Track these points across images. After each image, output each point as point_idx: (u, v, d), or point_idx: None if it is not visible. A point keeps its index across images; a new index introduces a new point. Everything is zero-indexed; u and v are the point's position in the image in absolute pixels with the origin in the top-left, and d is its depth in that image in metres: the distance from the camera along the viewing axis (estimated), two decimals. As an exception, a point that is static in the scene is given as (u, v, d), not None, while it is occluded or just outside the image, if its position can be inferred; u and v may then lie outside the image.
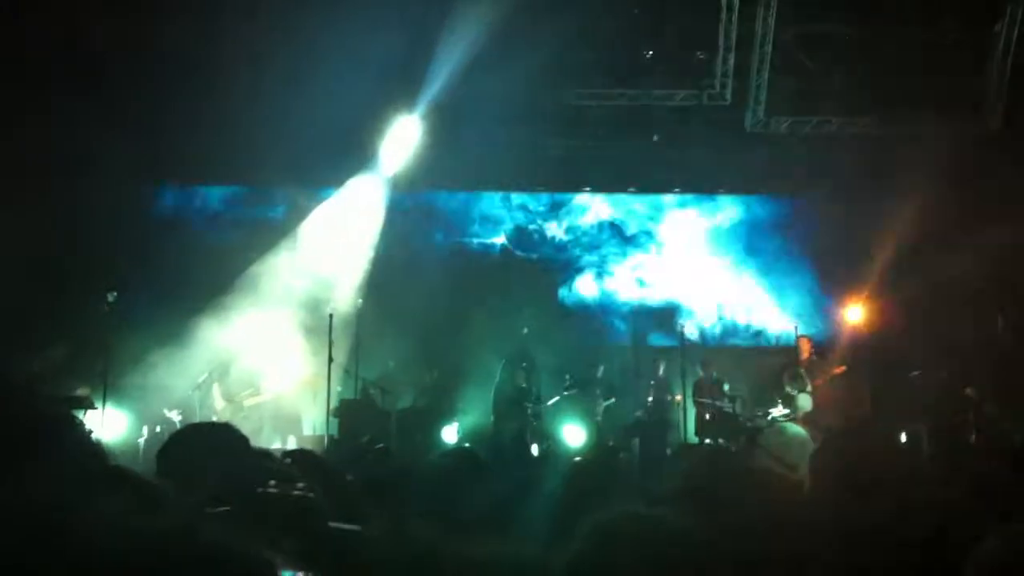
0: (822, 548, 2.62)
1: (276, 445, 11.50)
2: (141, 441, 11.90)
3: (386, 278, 14.90)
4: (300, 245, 14.90)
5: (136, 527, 1.62)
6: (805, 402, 12.73)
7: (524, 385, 13.26)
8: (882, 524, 2.71)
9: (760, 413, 12.89)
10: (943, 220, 14.63)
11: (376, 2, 13.62)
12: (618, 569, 1.81)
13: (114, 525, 1.70)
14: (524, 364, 13.33)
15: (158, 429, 11.82)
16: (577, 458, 11.51)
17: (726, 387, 13.80)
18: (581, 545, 1.86)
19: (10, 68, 12.46)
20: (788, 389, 12.71)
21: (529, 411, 13.02)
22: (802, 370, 12.98)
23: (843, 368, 13.74)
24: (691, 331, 14.10)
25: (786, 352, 14.31)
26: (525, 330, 13.81)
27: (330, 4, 13.77)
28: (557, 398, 13.48)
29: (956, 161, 14.96)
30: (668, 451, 13.01)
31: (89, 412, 11.40)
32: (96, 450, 2.84)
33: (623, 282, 16.11)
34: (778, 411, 12.59)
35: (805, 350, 13.96)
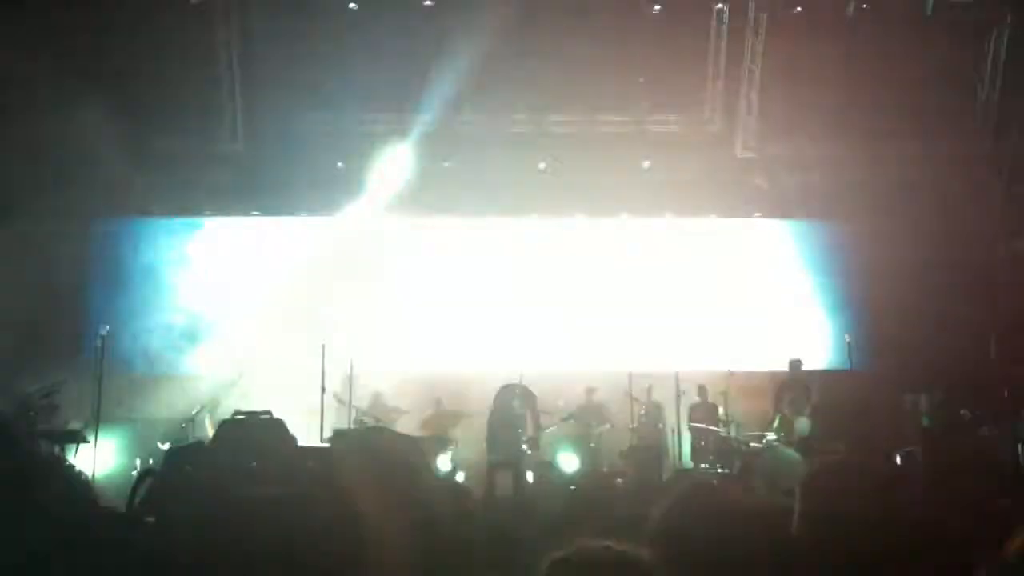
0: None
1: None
2: (134, 474, 11.83)
3: (380, 306, 14.89)
4: (292, 273, 14.88)
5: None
6: (804, 426, 12.68)
7: (519, 412, 13.21)
8: (876, 551, 2.68)
9: (755, 437, 12.85)
10: (935, 241, 14.66)
11: (370, 31, 13.68)
12: None
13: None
14: (519, 392, 13.28)
15: (151, 461, 11.76)
16: (572, 487, 11.48)
17: (721, 411, 13.77)
18: None
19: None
20: (787, 413, 12.67)
21: (524, 440, 12.96)
22: (801, 395, 12.94)
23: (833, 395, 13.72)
24: (686, 355, 14.05)
25: (782, 376, 14.27)
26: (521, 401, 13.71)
27: (324, 33, 13.85)
28: (553, 427, 13.42)
29: (947, 181, 15.02)
30: (664, 477, 12.96)
31: (82, 445, 11.38)
32: (84, 492, 2.81)
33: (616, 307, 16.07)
34: (774, 435, 12.56)
35: (800, 375, 13.93)
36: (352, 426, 13.27)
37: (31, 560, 1.81)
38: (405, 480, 1.25)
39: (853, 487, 2.88)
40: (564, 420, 13.49)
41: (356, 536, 1.38)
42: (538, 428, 13.30)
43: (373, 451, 1.19)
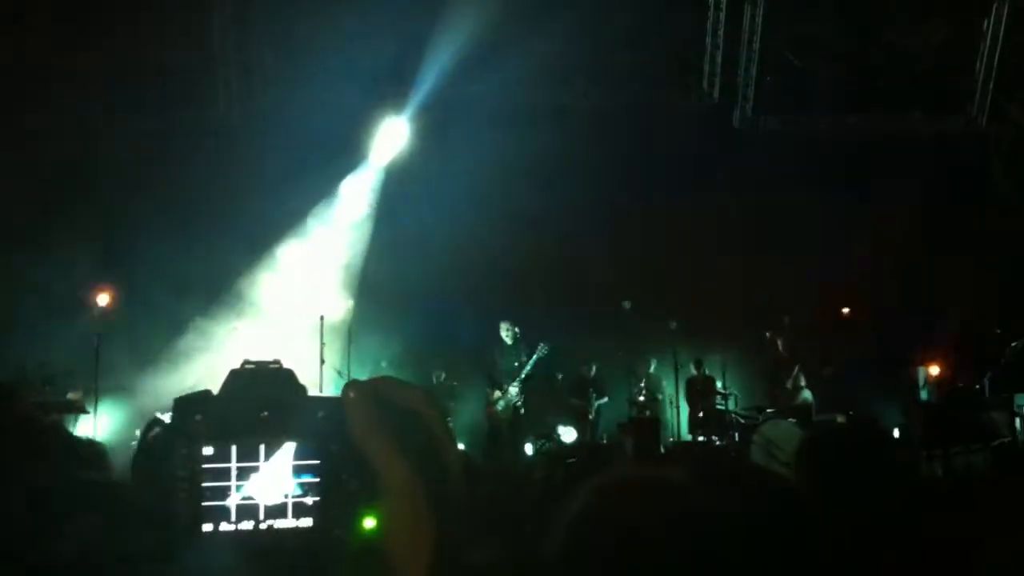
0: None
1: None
2: (134, 444, 11.85)
3: (378, 278, 14.91)
4: (292, 247, 14.90)
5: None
6: (807, 397, 12.73)
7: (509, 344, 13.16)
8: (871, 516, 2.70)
9: (754, 409, 12.90)
10: (931, 217, 14.68)
11: (365, 6, 13.62)
12: (618, 526, 1.81)
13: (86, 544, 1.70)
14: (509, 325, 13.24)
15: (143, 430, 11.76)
16: (570, 459, 11.52)
17: (719, 384, 13.83)
18: (580, 506, 1.85)
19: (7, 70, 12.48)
20: (787, 385, 12.70)
21: (511, 390, 12.89)
22: (799, 367, 12.96)
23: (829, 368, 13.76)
24: (684, 328, 14.08)
25: (776, 349, 14.31)
26: (516, 330, 13.74)
27: (320, 8, 13.79)
28: (531, 363, 13.22)
29: (943, 159, 15.02)
30: (662, 449, 13.02)
31: (81, 416, 11.39)
32: (96, 460, 2.82)
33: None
34: (772, 408, 12.60)
35: (796, 348, 13.96)
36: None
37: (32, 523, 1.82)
38: (418, 430, 1.24)
39: (848, 450, 2.91)
40: (542, 354, 13.28)
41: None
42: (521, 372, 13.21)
43: (386, 401, 1.19)
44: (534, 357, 13.01)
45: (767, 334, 14.33)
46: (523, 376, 13.02)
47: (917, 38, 15.00)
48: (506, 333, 13.15)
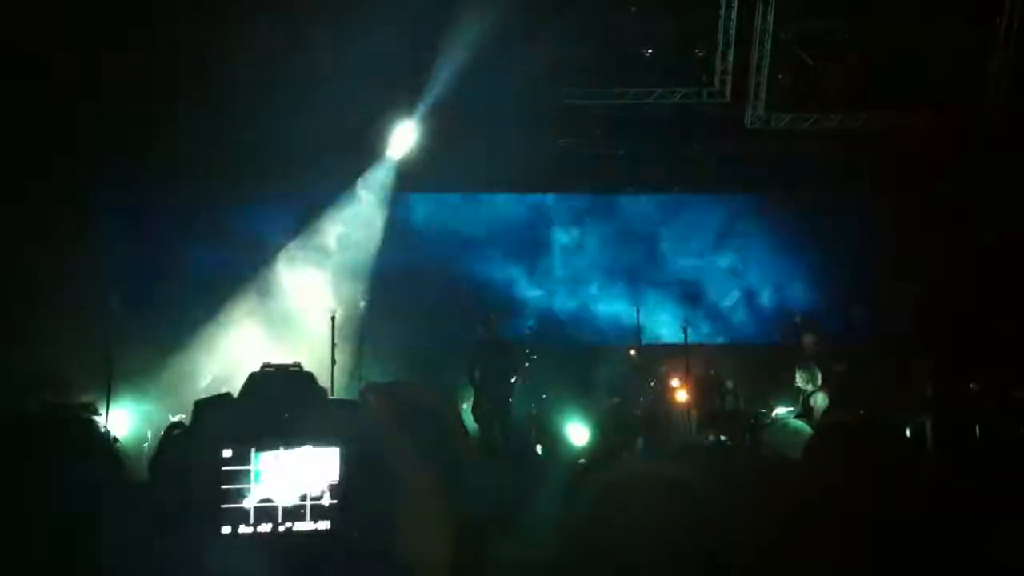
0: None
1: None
2: (146, 446, 11.91)
3: (390, 277, 14.92)
4: (304, 248, 14.92)
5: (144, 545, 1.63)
6: (822, 401, 12.67)
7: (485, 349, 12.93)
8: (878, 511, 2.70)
9: (763, 410, 12.87)
10: (943, 213, 14.64)
11: (376, 6, 13.62)
12: (623, 520, 1.84)
13: (123, 542, 1.71)
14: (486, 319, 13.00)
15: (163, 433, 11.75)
16: (581, 460, 11.52)
17: (728, 384, 13.80)
18: (590, 502, 1.89)
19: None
20: (800, 384, 12.65)
21: (493, 397, 12.70)
22: (813, 364, 12.91)
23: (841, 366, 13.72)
24: (696, 328, 14.06)
25: (789, 347, 14.30)
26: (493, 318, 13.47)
27: (331, 9, 13.79)
28: (517, 374, 12.91)
29: (957, 155, 14.98)
30: (673, 449, 12.98)
31: (93, 419, 11.42)
32: (113, 457, 2.82)
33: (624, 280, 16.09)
34: (782, 408, 12.57)
35: (813, 348, 13.92)
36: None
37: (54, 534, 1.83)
38: (436, 431, 1.26)
39: (855, 448, 2.90)
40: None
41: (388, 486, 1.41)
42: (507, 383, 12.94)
43: (404, 403, 1.21)
44: (524, 363, 12.83)
45: (779, 334, 14.33)
46: (512, 382, 12.82)
47: (929, 33, 14.95)
48: (485, 331, 13.01)
